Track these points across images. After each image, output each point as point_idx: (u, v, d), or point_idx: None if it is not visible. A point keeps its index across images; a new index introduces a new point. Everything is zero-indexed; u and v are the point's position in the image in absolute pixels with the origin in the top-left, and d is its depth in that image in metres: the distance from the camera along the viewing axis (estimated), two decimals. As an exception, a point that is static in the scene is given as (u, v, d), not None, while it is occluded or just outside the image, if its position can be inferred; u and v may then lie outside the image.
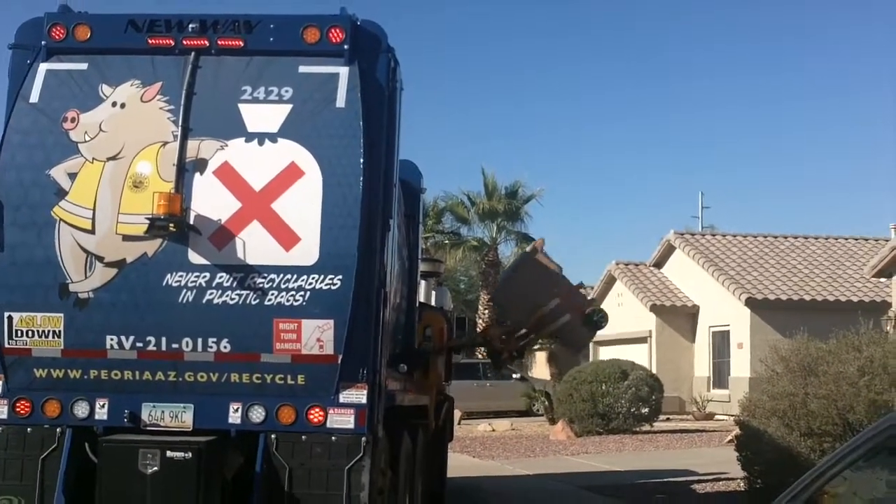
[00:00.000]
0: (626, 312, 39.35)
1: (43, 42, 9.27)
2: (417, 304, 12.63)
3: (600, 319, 13.20)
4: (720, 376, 35.87)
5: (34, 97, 9.15)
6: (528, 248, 15.37)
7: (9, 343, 8.88)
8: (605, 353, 38.74)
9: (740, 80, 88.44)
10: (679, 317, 37.71)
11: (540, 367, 47.48)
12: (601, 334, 41.13)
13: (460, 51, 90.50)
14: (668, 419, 32.36)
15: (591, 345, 41.89)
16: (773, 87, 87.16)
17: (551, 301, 12.81)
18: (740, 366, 33.55)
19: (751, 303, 33.64)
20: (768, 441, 16.02)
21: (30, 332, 8.86)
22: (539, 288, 12.95)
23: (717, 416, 33.52)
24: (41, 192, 8.93)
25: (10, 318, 8.86)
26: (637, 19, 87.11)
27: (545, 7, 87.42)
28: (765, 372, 18.08)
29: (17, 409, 8.99)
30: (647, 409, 28.87)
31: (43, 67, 9.24)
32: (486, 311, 46.92)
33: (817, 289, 34.89)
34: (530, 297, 12.80)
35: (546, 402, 34.18)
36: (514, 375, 39.39)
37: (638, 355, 35.03)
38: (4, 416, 9.00)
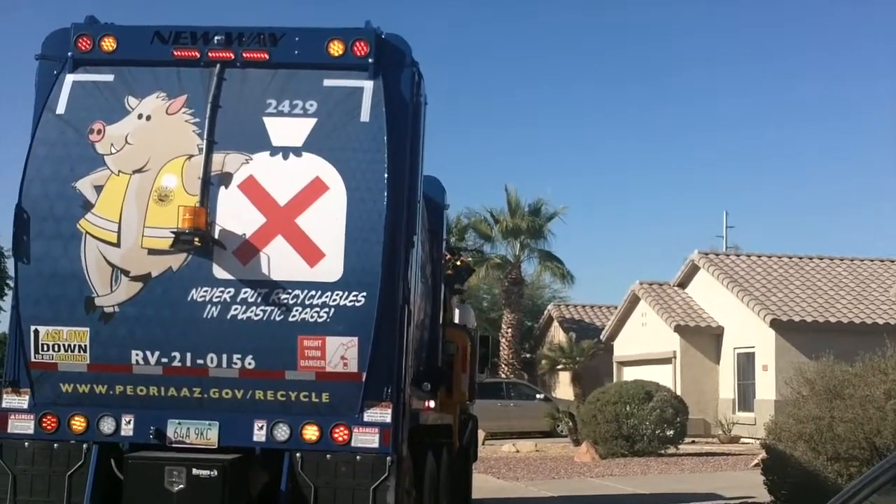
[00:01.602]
0: (650, 333, 39.15)
1: (69, 53, 9.29)
2: (441, 322, 12.58)
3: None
4: (745, 398, 35.59)
5: (61, 108, 9.16)
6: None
7: (35, 357, 8.88)
8: (629, 374, 38.52)
9: (765, 98, 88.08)
10: (703, 338, 37.44)
11: (563, 387, 47.27)
12: (624, 355, 40.89)
13: (484, 66, 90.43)
14: (693, 442, 32.10)
15: (615, 365, 41.84)
16: (800, 105, 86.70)
17: None
18: (765, 388, 33.29)
19: (776, 324, 33.39)
20: (794, 465, 15.89)
21: (56, 347, 8.86)
22: None
23: (742, 439, 33.22)
24: (67, 205, 8.93)
25: (36, 331, 8.86)
26: (660, 38, 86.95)
27: (569, 26, 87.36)
28: (790, 395, 17.96)
29: (44, 425, 8.99)
30: (672, 432, 28.63)
31: (69, 78, 9.25)
32: (510, 330, 46.89)
33: (843, 311, 34.61)
34: None
35: (570, 423, 33.97)
36: (537, 396, 39.23)
37: (662, 376, 34.79)
38: (31, 432, 9.00)
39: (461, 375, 13.94)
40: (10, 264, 9.49)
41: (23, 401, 9.01)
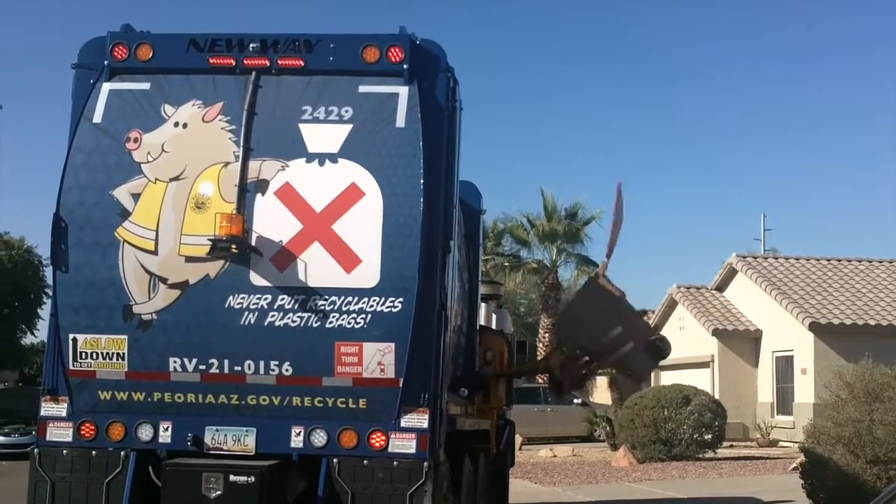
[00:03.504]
0: (687, 336, 38.94)
1: (106, 62, 9.33)
2: (478, 327, 12.55)
3: (664, 347, 12.94)
4: (784, 402, 35.38)
5: (97, 117, 9.20)
6: (591, 274, 15.26)
7: (73, 365, 8.92)
8: (667, 378, 38.33)
9: (805, 100, 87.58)
10: (742, 341, 37.24)
11: (601, 391, 47.10)
12: (663, 359, 40.05)
13: (521, 71, 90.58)
14: (731, 446, 31.91)
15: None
16: (837, 108, 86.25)
17: (614, 329, 12.64)
18: (804, 391, 33.06)
19: (814, 327, 33.16)
20: (833, 468, 15.78)
21: (94, 354, 8.89)
22: (601, 315, 12.78)
23: (781, 443, 33.02)
24: (105, 213, 8.97)
25: (74, 339, 8.90)
26: (699, 41, 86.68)
27: (606, 31, 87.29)
28: (829, 398, 17.84)
29: (82, 432, 9.02)
30: (710, 436, 28.47)
31: (106, 87, 9.28)
32: (547, 335, 46.69)
33: (882, 313, 34.31)
34: (593, 325, 12.64)
35: (607, 428, 33.88)
36: (575, 401, 39.09)
37: (700, 380, 34.63)
38: (69, 439, 9.03)
39: (498, 381, 13.89)
40: (48, 273, 9.53)
41: (61, 409, 9.05)
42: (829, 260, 38.65)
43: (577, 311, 13.66)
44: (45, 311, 38.94)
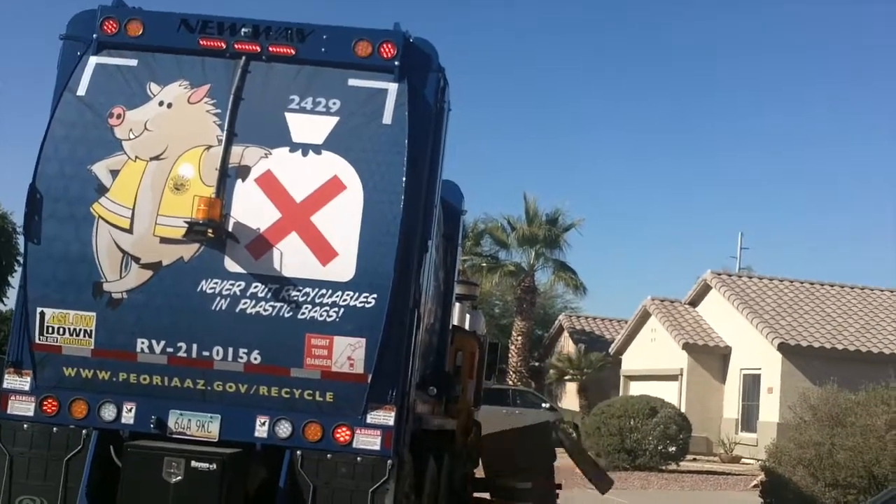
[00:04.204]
0: (658, 349, 39.11)
1: (94, 35, 9.19)
2: (451, 327, 12.52)
3: None
4: (749, 419, 35.55)
5: (81, 90, 9.08)
6: (556, 427, 15.84)
7: (39, 339, 8.81)
8: (636, 389, 38.47)
9: (787, 121, 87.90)
10: (711, 357, 37.42)
11: (570, 397, 47.22)
12: (632, 369, 40.81)
13: (510, 75, 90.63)
14: (694, 459, 32.05)
15: (622, 379, 41.76)
16: (821, 131, 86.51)
17: (526, 481, 13.18)
18: (769, 410, 33.23)
19: (783, 348, 33.33)
20: (794, 489, 15.87)
21: (61, 330, 8.78)
22: (531, 460, 13.34)
23: (743, 460, 33.16)
24: (81, 187, 8.85)
25: (42, 313, 8.79)
26: (681, 57, 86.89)
27: (590, 40, 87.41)
28: (793, 419, 17.94)
29: (45, 408, 8.91)
30: (674, 448, 28.61)
31: (93, 60, 9.16)
32: (520, 337, 46.80)
33: (850, 338, 34.53)
34: (517, 460, 13.21)
35: (574, 434, 33.90)
36: (543, 405, 39.18)
37: (668, 393, 34.77)
38: (31, 414, 8.92)
39: (468, 381, 13.88)
40: (22, 242, 9.40)
41: (24, 382, 8.94)
42: (801, 282, 38.89)
43: (516, 441, 14.14)
44: (15, 280, 38.68)
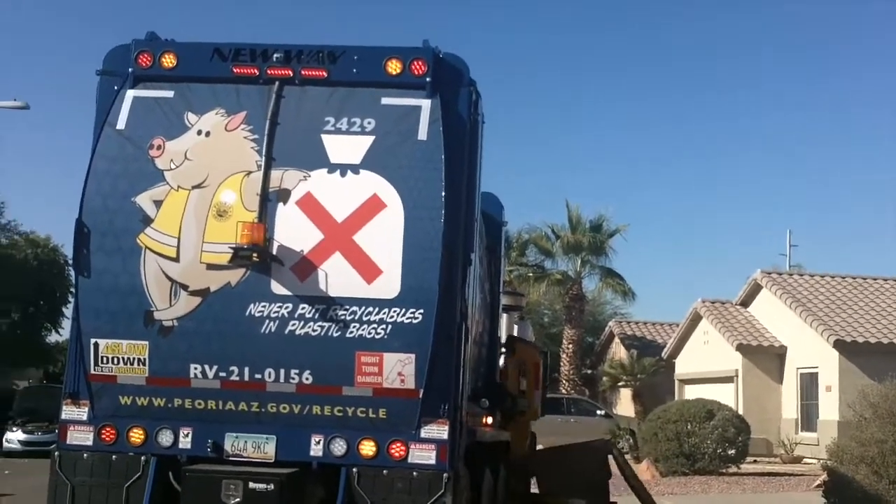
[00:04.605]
0: (711, 351, 38.84)
1: (130, 69, 9.36)
2: (510, 339, 12.56)
3: None
4: (808, 419, 35.21)
5: (121, 124, 9.24)
6: (613, 444, 15.98)
7: (94, 370, 8.96)
8: (690, 393, 38.23)
9: (834, 116, 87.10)
10: (766, 357, 37.10)
11: (624, 404, 47.00)
12: (686, 372, 40.39)
13: (547, 80, 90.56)
14: (755, 461, 31.76)
15: (676, 383, 41.53)
16: (866, 125, 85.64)
17: (580, 498, 13.23)
18: (829, 409, 32.90)
19: (839, 345, 33.01)
20: (857, 488, 15.72)
21: (115, 359, 8.93)
22: (587, 477, 13.37)
23: (805, 460, 32.82)
24: (127, 219, 9.01)
25: (96, 344, 8.94)
26: (726, 52, 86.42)
27: (634, 41, 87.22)
28: (853, 417, 17.77)
29: (103, 437, 9.07)
30: (733, 451, 28.32)
31: (130, 94, 9.33)
32: (571, 346, 46.69)
33: (906, 332, 34.16)
34: (574, 477, 13.19)
35: (631, 441, 33.78)
36: (598, 412, 39.03)
37: (723, 395, 34.49)
38: (90, 443, 9.09)
39: (535, 393, 13.92)
40: (72, 273, 9.55)
41: (82, 412, 9.12)
42: (854, 278, 38.50)
43: (575, 460, 14.20)
44: (70, 310, 39.15)
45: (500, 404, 11.77)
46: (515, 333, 14.80)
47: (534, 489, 14.48)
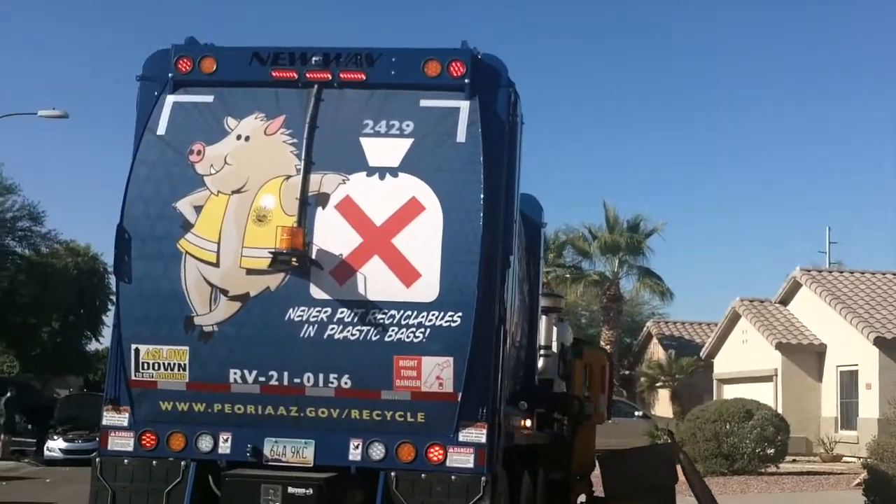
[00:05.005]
0: (750, 350, 38.65)
1: (170, 74, 9.38)
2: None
3: None
4: (848, 417, 34.96)
5: (161, 129, 9.26)
6: (680, 448, 15.90)
7: (135, 376, 8.99)
8: (729, 392, 38.04)
9: (872, 112, 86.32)
10: (805, 355, 36.87)
11: (663, 404, 46.82)
12: (724, 372, 40.19)
13: (581, 81, 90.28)
14: (794, 460, 31.57)
15: (714, 382, 41.32)
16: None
17: (646, 502, 13.16)
18: (869, 407, 32.66)
19: (879, 342, 32.77)
20: (897, 486, 15.58)
21: (156, 365, 8.96)
22: (654, 482, 13.30)
23: (845, 458, 32.60)
24: (168, 225, 9.03)
25: (136, 350, 8.97)
26: (763, 50, 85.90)
27: (670, 40, 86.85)
28: (893, 415, 17.63)
29: (143, 442, 9.10)
30: (772, 450, 28.16)
31: (170, 99, 9.34)
32: (608, 346, 46.51)
33: (947, 329, 33.84)
34: (641, 480, 13.26)
35: (669, 441, 33.60)
36: (636, 413, 38.88)
37: (763, 394, 34.29)
38: (130, 449, 9.12)
39: (600, 396, 13.87)
40: (113, 280, 9.60)
41: (123, 418, 9.15)
42: (894, 274, 38.18)
43: (641, 465, 14.13)
44: (109, 318, 39.40)
45: (539, 406, 11.71)
46: (554, 336, 14.74)
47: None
